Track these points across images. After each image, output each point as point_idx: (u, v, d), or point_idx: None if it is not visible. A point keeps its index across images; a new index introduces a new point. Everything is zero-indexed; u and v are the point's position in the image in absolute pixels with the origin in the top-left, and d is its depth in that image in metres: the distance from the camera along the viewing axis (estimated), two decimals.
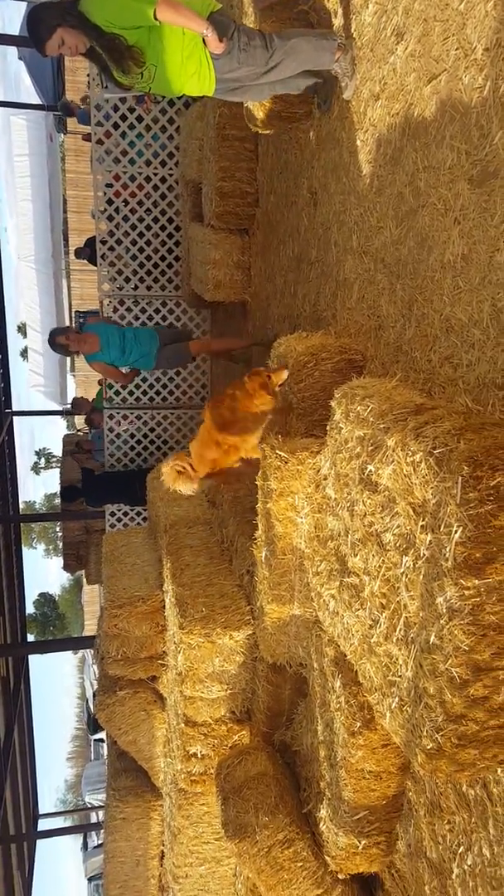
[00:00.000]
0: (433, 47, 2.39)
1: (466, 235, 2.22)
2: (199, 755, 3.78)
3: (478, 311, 2.17)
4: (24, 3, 6.57)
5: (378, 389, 2.38)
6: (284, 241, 4.40)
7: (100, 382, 8.74)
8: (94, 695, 5.89)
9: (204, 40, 2.88)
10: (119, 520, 7.28)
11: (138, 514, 7.22)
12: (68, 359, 13.66)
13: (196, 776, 3.86)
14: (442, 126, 2.36)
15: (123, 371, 5.77)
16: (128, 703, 4.84)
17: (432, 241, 2.45)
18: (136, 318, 6.62)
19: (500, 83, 2.02)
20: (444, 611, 1.70)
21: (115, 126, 6.16)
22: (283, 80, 3.25)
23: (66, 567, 11.83)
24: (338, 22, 3.23)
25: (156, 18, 2.75)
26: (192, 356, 5.81)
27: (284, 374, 3.06)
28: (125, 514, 7.27)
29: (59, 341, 5.23)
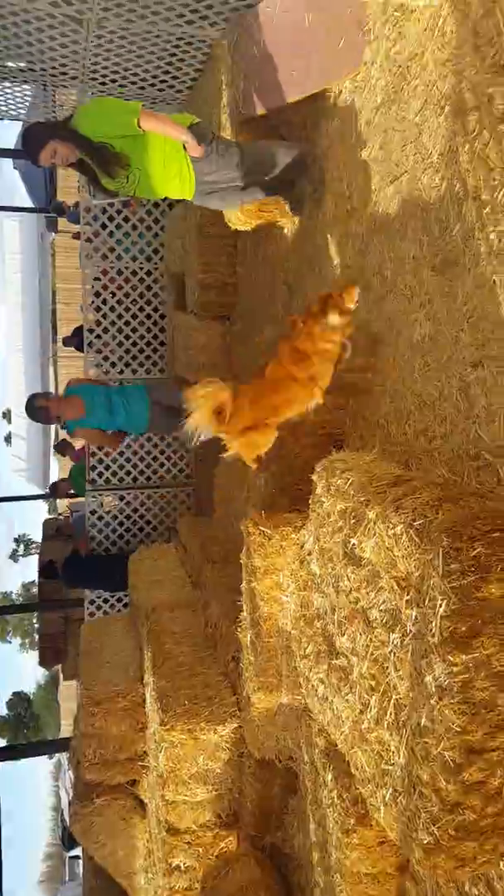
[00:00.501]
0: (393, 153, 2.62)
1: (432, 318, 2.36)
2: (182, 867, 3.50)
3: (447, 386, 2.26)
4: (20, 123, 7.16)
5: (357, 463, 2.43)
6: (263, 327, 4.60)
7: (76, 458, 8.68)
8: (69, 803, 5.46)
9: (184, 146, 3.14)
10: (99, 607, 7.07)
11: (119, 599, 7.03)
12: (52, 441, 13.70)
13: (180, 891, 3.55)
14: (405, 221, 2.55)
15: (110, 434, 5.15)
16: (105, 812, 4.51)
17: (401, 324, 2.59)
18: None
19: (455, 183, 2.21)
20: (434, 690, 1.66)
21: (104, 226, 6.54)
22: (257, 186, 3.52)
23: (43, 662, 11.31)
24: (306, 133, 3.55)
25: (139, 127, 3.01)
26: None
27: (355, 292, 2.72)
28: (105, 600, 7.07)
29: (39, 404, 4.61)
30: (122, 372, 6.81)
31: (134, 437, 6.67)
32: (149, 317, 6.85)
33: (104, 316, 6.73)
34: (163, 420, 4.77)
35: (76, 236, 9.58)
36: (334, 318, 2.63)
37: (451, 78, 2.19)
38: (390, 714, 1.84)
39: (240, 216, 3.96)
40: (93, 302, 6.75)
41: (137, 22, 3.98)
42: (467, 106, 2.10)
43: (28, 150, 3.15)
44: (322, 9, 2.96)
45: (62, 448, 9.41)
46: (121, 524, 6.91)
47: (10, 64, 4.74)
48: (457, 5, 2.03)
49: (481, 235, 2.09)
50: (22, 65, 4.75)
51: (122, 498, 6.94)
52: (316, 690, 2.37)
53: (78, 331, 8.82)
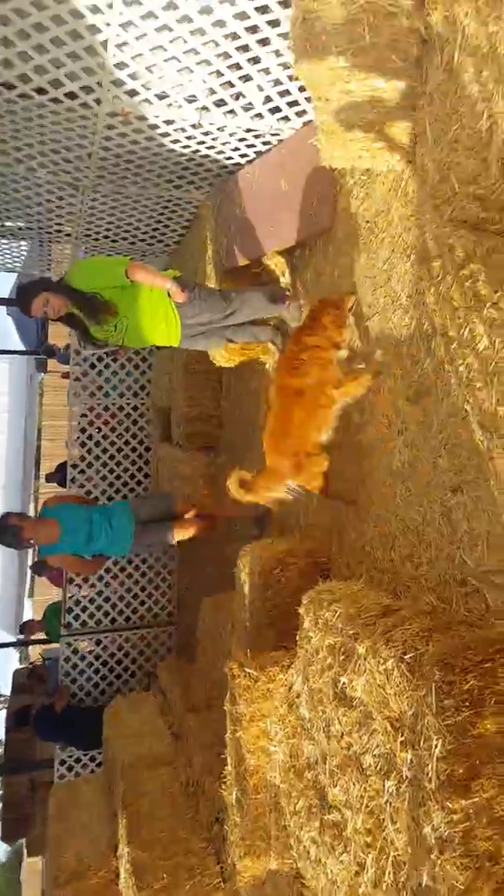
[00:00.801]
0: (366, 296, 2.88)
1: (410, 445, 2.48)
2: None
3: (429, 511, 2.32)
4: (14, 274, 7.76)
5: (345, 593, 2.42)
6: (248, 457, 4.73)
7: (55, 581, 8.36)
8: None
9: (169, 293, 3.45)
10: (70, 768, 6.50)
11: (93, 759, 6.50)
12: (27, 585, 13.32)
13: None
14: (380, 355, 2.75)
15: (88, 560, 4.67)
16: None
17: (381, 451, 2.71)
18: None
19: (424, 321, 2.42)
20: (434, 842, 1.55)
21: (93, 366, 6.91)
22: (241, 327, 3.82)
23: (6, 836, 10.17)
24: (285, 279, 3.91)
25: (128, 277, 3.32)
26: (173, 538, 4.62)
27: (350, 299, 2.89)
28: (77, 760, 6.53)
29: (11, 522, 4.17)
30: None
31: (113, 572, 6.57)
32: (134, 450, 7.03)
33: (89, 451, 6.89)
34: (149, 535, 4.47)
35: (65, 376, 10.02)
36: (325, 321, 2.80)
37: (415, 230, 2.48)
38: (388, 874, 1.69)
39: (224, 354, 4.24)
40: (78, 437, 6.94)
41: (129, 187, 4.50)
42: (431, 254, 2.36)
43: (21, 301, 3.45)
44: (295, 174, 3.40)
45: (39, 568, 9.15)
46: (96, 671, 6.57)
47: (9, 223, 5.26)
48: (416, 171, 2.35)
49: (451, 368, 2.26)
50: (20, 224, 5.28)
51: (98, 642, 6.66)
52: (308, 852, 2.17)
53: (61, 466, 8.96)
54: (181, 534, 4.52)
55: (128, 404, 7.05)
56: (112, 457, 6.92)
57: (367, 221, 2.87)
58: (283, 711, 2.63)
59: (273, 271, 4.05)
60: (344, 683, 2.19)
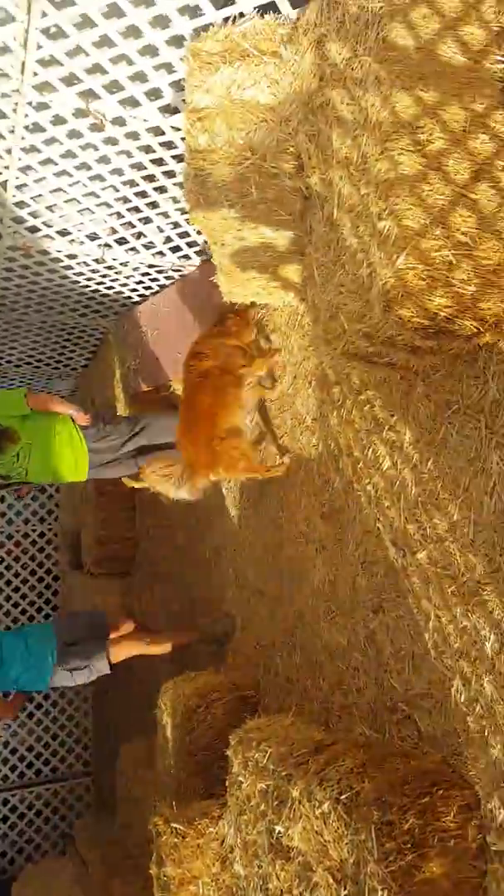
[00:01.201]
0: (274, 419, 3.03)
1: (328, 563, 2.53)
2: None
3: (353, 633, 2.35)
4: None
5: (275, 729, 2.35)
6: (166, 579, 4.63)
7: None
8: None
9: (72, 417, 3.49)
10: None
11: None
12: None
13: None
14: (292, 475, 2.85)
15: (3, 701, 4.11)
16: None
17: (301, 570, 2.75)
18: None
19: (330, 442, 2.57)
20: None
21: None
22: (150, 450, 3.88)
23: None
24: None
25: (27, 404, 3.35)
26: (109, 662, 3.80)
27: (256, 310, 2.93)
28: None
29: None
30: None
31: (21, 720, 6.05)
32: (41, 580, 6.74)
33: None
34: (75, 658, 3.71)
35: None
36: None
37: (314, 359, 2.67)
38: None
39: (136, 478, 4.24)
40: None
41: (32, 315, 4.61)
42: (330, 381, 2.55)
43: None
44: (199, 306, 3.62)
45: None
46: (3, 836, 5.88)
47: None
48: (309, 308, 2.57)
49: (359, 487, 2.38)
50: None
51: (5, 802, 6.00)
52: None
53: None
54: (122, 652, 3.83)
55: (33, 531, 6.82)
56: (16, 589, 6.59)
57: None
58: (215, 870, 2.46)
59: (179, 396, 4.20)
60: (279, 832, 2.08)
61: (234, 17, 2.25)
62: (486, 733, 1.77)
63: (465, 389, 1.94)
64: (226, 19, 2.25)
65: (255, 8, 2.23)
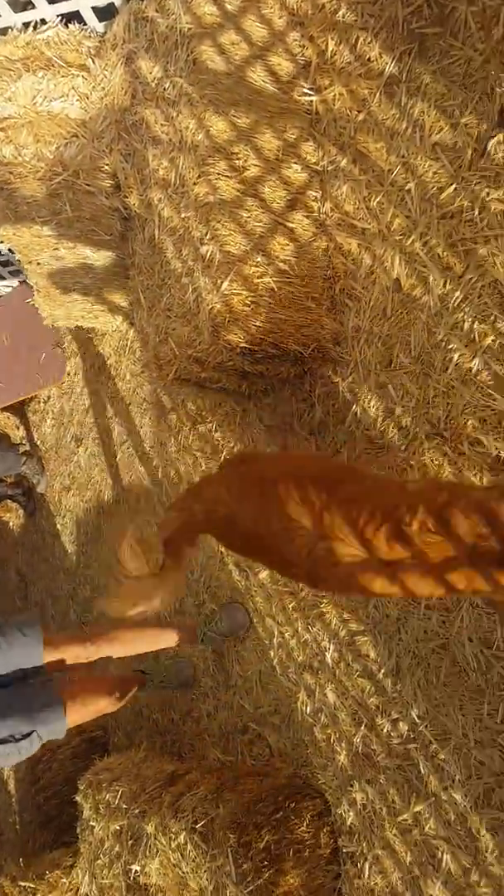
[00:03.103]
0: (111, 447, 3.04)
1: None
2: None
3: (201, 658, 2.44)
4: None
5: (126, 767, 2.38)
6: None
7: None
8: None
9: None
10: None
11: None
12: None
13: None
14: (131, 504, 2.88)
15: None
16: None
17: None
18: None
19: (169, 469, 2.64)
20: None
21: None
22: None
23: None
24: (20, 433, 3.96)
25: None
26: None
27: None
28: None
29: None
30: None
31: None
32: None
33: None
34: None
35: None
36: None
37: (147, 386, 2.73)
38: None
39: None
40: None
41: None
42: (166, 407, 2.62)
43: None
44: (20, 331, 3.53)
45: None
46: None
47: None
48: (139, 333, 2.61)
49: None
50: None
51: None
52: None
53: None
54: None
55: None
56: None
57: (98, 376, 3.08)
58: None
59: (7, 425, 4.08)
60: (136, 871, 2.13)
61: (36, 22, 2.25)
62: (331, 741, 1.94)
63: (296, 411, 2.11)
64: (26, 24, 2.23)
65: (58, 16, 2.23)
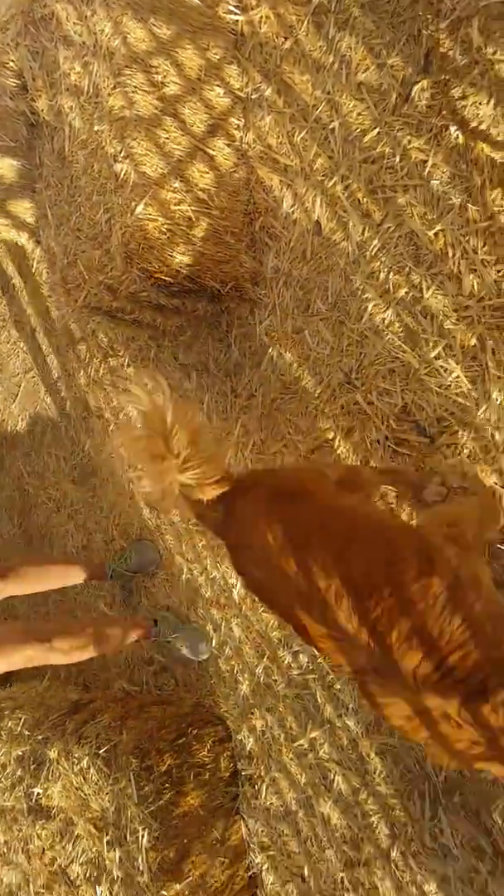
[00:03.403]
0: (15, 375, 2.90)
1: (82, 527, 2.59)
2: None
3: (109, 594, 2.47)
4: None
5: (29, 696, 2.41)
6: None
7: None
8: None
9: None
10: None
11: None
12: None
13: None
14: (37, 437, 2.80)
15: None
16: None
17: (53, 536, 2.75)
18: None
19: (78, 402, 2.56)
20: None
21: None
22: None
23: None
24: None
25: None
26: None
27: None
28: None
29: None
30: None
31: None
32: None
33: None
34: None
35: None
36: None
37: (55, 311, 2.60)
38: None
39: None
40: None
41: None
42: (76, 336, 2.51)
43: None
44: None
45: None
46: None
47: None
48: (46, 253, 2.46)
49: (111, 448, 2.44)
50: None
51: None
52: None
53: None
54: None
55: None
56: None
57: (3, 295, 2.90)
58: None
59: None
60: (38, 794, 2.20)
61: None
62: (234, 672, 2.03)
63: (212, 351, 2.08)
64: None
65: None
